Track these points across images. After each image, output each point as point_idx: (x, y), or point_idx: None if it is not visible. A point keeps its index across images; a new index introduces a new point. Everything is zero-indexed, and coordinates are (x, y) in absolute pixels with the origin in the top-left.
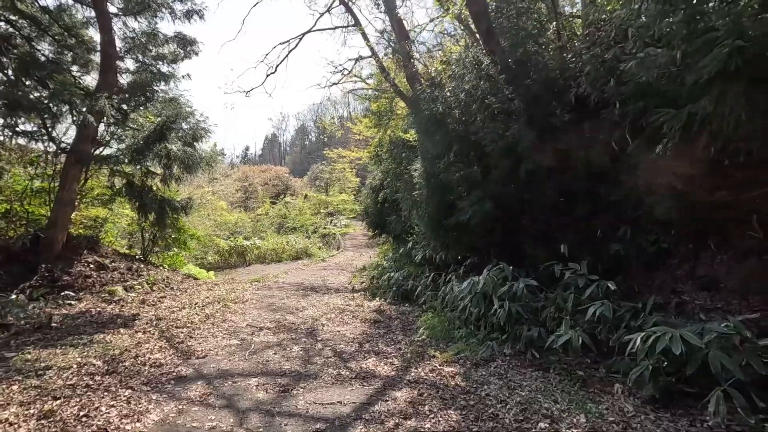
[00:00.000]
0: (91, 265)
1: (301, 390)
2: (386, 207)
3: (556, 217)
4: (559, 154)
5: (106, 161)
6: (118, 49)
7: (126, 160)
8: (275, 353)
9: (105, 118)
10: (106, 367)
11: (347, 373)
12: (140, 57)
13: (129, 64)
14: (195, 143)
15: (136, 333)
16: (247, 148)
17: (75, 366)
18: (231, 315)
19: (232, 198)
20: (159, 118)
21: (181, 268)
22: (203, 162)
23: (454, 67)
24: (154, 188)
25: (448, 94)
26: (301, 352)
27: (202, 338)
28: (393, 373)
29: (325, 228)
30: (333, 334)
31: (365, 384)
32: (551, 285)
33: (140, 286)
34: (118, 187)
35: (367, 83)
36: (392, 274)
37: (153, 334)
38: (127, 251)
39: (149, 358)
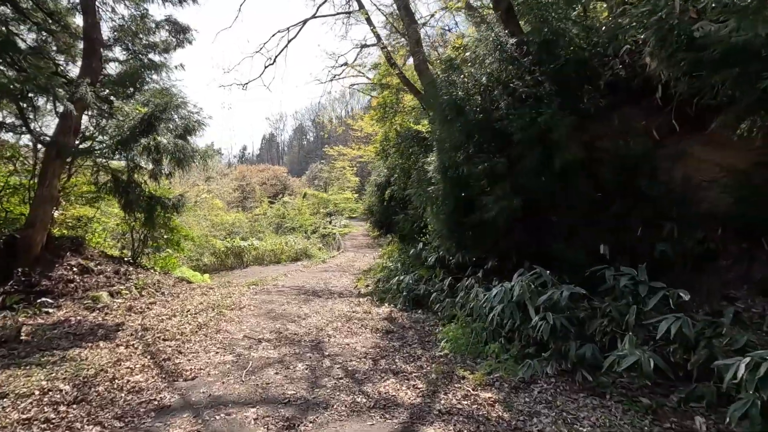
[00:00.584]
0: (74, 269)
1: (310, 425)
2: (393, 205)
3: (592, 214)
4: (594, 142)
5: (89, 154)
6: (106, 38)
7: (109, 153)
8: (276, 373)
9: (88, 108)
10: (75, 394)
11: (364, 400)
12: (130, 46)
13: (118, 53)
14: (188, 136)
15: (117, 347)
16: (244, 148)
17: (37, 392)
18: (226, 324)
19: (229, 197)
20: (147, 108)
21: (173, 271)
22: (197, 156)
23: (474, 48)
24: (143, 184)
25: (466, 79)
26: (306, 372)
27: (193, 353)
28: (419, 400)
29: (324, 228)
30: (341, 347)
31: (387, 416)
32: (593, 292)
33: (128, 291)
34: (102, 183)
35: (368, 78)
36: (402, 277)
37: (136, 348)
38: (116, 253)
39: (128, 381)
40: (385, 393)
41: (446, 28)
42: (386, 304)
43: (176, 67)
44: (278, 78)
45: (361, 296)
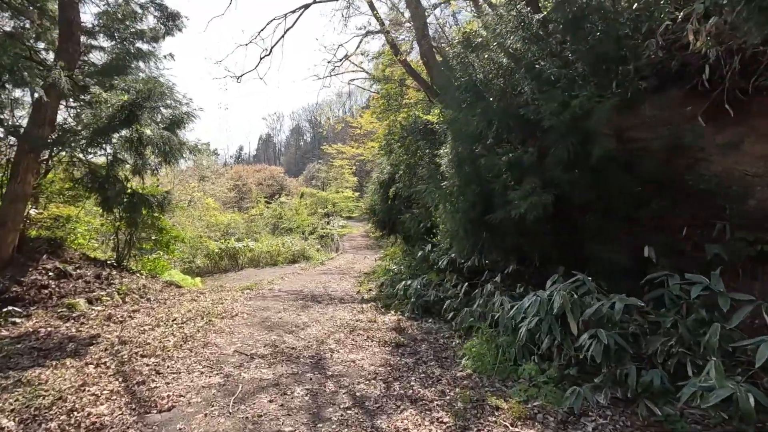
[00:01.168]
0: (50, 273)
1: None
2: (397, 204)
3: (631, 212)
4: (632, 131)
5: (64, 146)
6: (90, 25)
7: (86, 145)
8: (271, 400)
9: (65, 98)
10: None
11: None
12: (115, 34)
13: (103, 42)
14: (176, 129)
15: (86, 366)
16: (240, 148)
17: None
18: (215, 336)
19: (225, 197)
20: (128, 95)
21: (162, 275)
22: (185, 150)
23: (494, 26)
24: (126, 181)
25: (485, 61)
26: (307, 398)
27: (173, 374)
28: None
29: (323, 229)
30: (346, 365)
31: None
32: (645, 302)
33: (109, 298)
34: (78, 178)
35: (368, 73)
36: (408, 282)
37: (108, 367)
38: (102, 256)
39: (89, 414)
40: (404, 430)
41: (454, 15)
42: (392, 312)
43: (165, 57)
44: (275, 69)
45: (365, 302)
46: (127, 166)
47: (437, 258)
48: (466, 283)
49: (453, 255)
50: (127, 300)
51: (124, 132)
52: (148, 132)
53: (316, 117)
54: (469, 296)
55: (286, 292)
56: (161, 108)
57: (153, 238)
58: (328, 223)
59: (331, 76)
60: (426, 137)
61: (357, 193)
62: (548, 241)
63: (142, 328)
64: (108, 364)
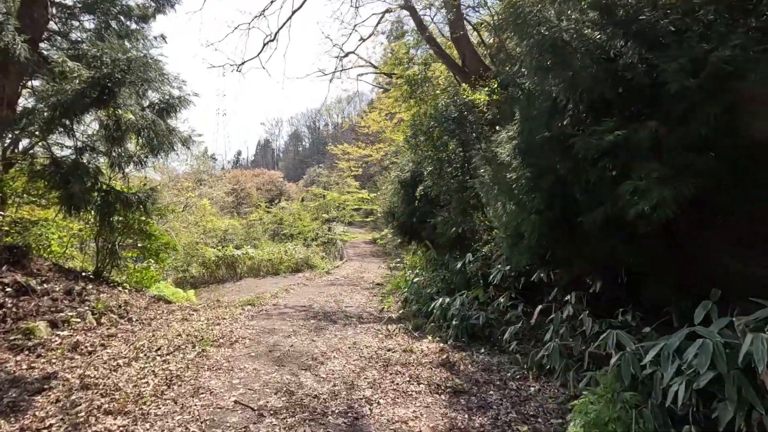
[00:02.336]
0: (7, 289)
1: None
2: (422, 206)
3: None
4: None
5: (22, 130)
6: (71, 2)
7: (47, 128)
8: None
9: (30, 75)
10: None
11: None
12: (97, 10)
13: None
14: (167, 116)
15: None
16: (239, 153)
17: None
18: (210, 375)
19: (222, 202)
20: (104, 68)
21: (149, 288)
22: (176, 139)
23: None
24: (95, 173)
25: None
26: None
27: None
28: None
29: (326, 235)
30: (395, 429)
31: None
32: None
33: (79, 320)
34: (37, 170)
35: (375, 67)
36: (446, 299)
37: None
38: (80, 266)
39: None
40: None
41: None
42: (429, 338)
43: (156, 38)
44: (279, 55)
45: (390, 322)
46: (103, 159)
47: (479, 270)
48: (522, 304)
49: (509, 267)
50: (102, 321)
51: (99, 114)
52: (130, 115)
53: (315, 122)
54: (530, 318)
55: (294, 308)
56: (146, 88)
57: (140, 245)
58: (329, 229)
59: (339, 71)
60: (462, 126)
61: (373, 195)
62: (664, 252)
63: (114, 363)
64: (51, 429)
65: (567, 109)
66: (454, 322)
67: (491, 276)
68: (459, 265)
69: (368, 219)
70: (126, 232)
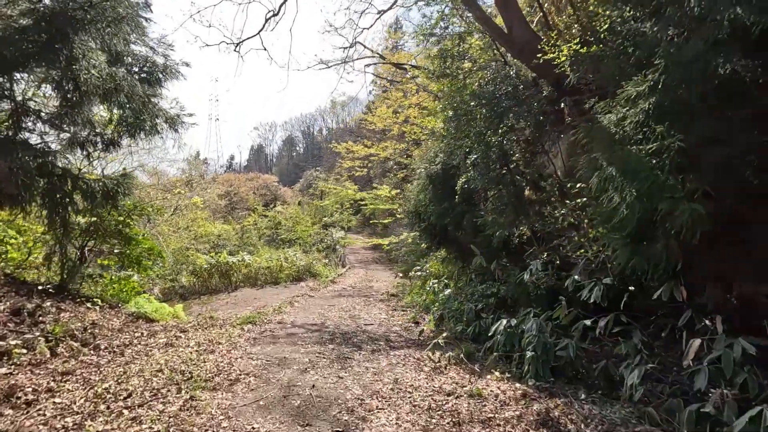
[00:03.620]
0: None
1: None
2: (459, 204)
3: None
4: None
5: None
6: None
7: None
8: None
9: None
10: None
11: None
12: None
13: None
14: (149, 87)
15: None
16: (232, 158)
17: None
18: None
19: (215, 206)
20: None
21: (128, 304)
22: (159, 114)
23: None
24: (42, 153)
25: None
26: None
27: None
28: None
29: (327, 240)
30: None
31: None
32: None
33: (26, 350)
34: None
35: (383, 56)
36: (511, 321)
37: None
38: (48, 276)
39: None
40: None
41: None
42: (497, 373)
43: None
44: (279, 50)
45: (436, 348)
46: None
47: (544, 282)
48: (637, 331)
49: (608, 280)
50: (59, 351)
51: (52, 73)
52: (93, 72)
53: (310, 127)
54: (652, 352)
55: (303, 326)
56: (117, 36)
57: (117, 251)
58: (327, 234)
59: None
60: (520, 103)
61: (397, 190)
62: None
63: (59, 425)
64: None
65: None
66: (529, 353)
67: (585, 291)
68: (525, 276)
69: (384, 221)
70: (101, 234)
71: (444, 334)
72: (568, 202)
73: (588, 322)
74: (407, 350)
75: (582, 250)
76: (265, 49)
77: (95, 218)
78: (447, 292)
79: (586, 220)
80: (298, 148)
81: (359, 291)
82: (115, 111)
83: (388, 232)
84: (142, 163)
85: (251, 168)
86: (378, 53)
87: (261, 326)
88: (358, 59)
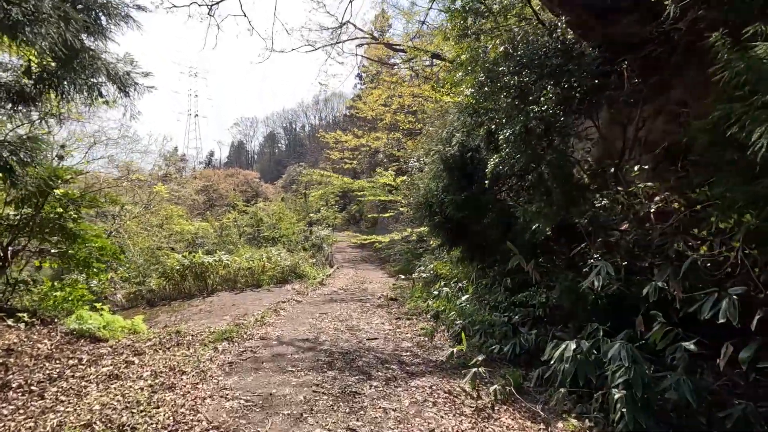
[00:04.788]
0: None
1: None
2: (482, 191)
3: None
4: None
5: None
6: None
7: None
8: None
9: None
10: None
11: None
12: None
13: None
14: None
15: None
16: (211, 154)
17: None
18: None
19: (191, 202)
20: None
21: (67, 320)
22: (101, 72)
23: None
24: None
25: None
26: None
27: None
28: None
29: (313, 238)
30: None
31: None
32: None
33: None
34: None
35: (374, 37)
36: (582, 344)
37: None
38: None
39: None
40: None
41: None
42: (573, 420)
43: None
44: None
45: (481, 383)
46: None
47: (605, 289)
48: None
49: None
50: None
51: None
52: None
53: (292, 123)
54: None
55: (293, 343)
56: None
57: (55, 251)
58: (311, 232)
59: (337, 43)
60: (569, 58)
61: (403, 178)
62: None
63: None
64: None
65: None
66: (618, 392)
67: (704, 306)
68: (572, 281)
69: (375, 215)
70: (36, 230)
71: (480, 357)
72: (642, 185)
73: (691, 346)
74: (432, 378)
75: (679, 246)
76: (244, 15)
77: (30, 209)
78: (464, 298)
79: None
80: (280, 145)
81: (353, 294)
82: (34, 59)
83: (377, 230)
84: (111, 155)
85: (232, 165)
86: (371, 34)
87: (240, 344)
88: (347, 40)
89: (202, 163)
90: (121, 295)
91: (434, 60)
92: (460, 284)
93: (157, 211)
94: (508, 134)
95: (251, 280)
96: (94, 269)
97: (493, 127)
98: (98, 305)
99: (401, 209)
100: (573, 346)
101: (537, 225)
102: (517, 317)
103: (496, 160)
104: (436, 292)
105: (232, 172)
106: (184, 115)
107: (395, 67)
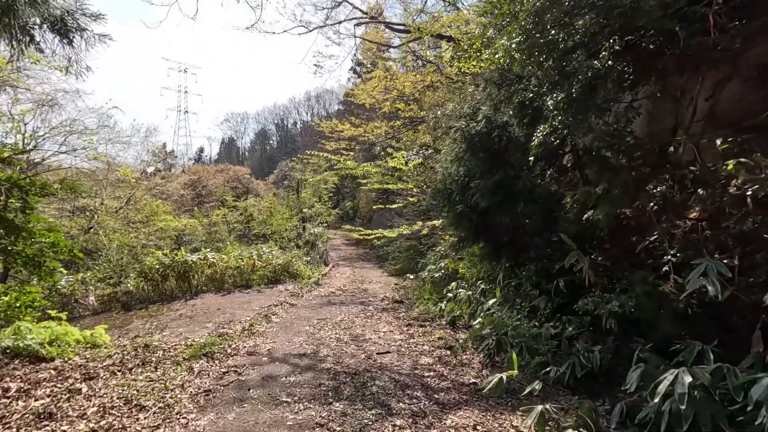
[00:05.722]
0: None
1: None
2: (514, 175)
3: None
4: None
5: None
6: None
7: None
8: None
9: None
10: None
11: None
12: None
13: None
14: None
15: None
16: (201, 150)
17: None
18: None
19: (179, 198)
20: None
21: (5, 333)
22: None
23: None
24: None
25: None
26: None
27: None
28: None
29: (302, 236)
30: None
31: None
32: None
33: None
34: None
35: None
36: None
37: None
38: None
39: None
40: None
41: None
42: None
43: None
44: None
45: (539, 419)
46: None
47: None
48: None
49: None
50: None
51: None
52: None
53: (284, 119)
54: None
55: (287, 360)
56: None
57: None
58: (304, 229)
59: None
60: None
61: (416, 161)
62: None
63: None
64: None
65: None
66: None
67: None
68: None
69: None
70: None
71: (536, 385)
72: (726, 163)
73: None
74: (472, 413)
75: None
76: None
77: None
78: (491, 302)
79: None
80: (271, 142)
81: (353, 296)
82: None
83: (372, 226)
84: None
85: (222, 161)
86: (370, 14)
87: (221, 362)
88: (345, 21)
89: (192, 159)
90: (93, 297)
91: (438, 43)
92: (482, 285)
93: (141, 207)
94: (560, 98)
95: (240, 281)
96: (46, 269)
97: (530, 95)
98: (54, 312)
99: (410, 200)
100: (688, 378)
101: (596, 213)
102: (570, 328)
103: (546, 130)
104: (450, 294)
105: (221, 168)
106: (174, 111)
107: (396, 49)
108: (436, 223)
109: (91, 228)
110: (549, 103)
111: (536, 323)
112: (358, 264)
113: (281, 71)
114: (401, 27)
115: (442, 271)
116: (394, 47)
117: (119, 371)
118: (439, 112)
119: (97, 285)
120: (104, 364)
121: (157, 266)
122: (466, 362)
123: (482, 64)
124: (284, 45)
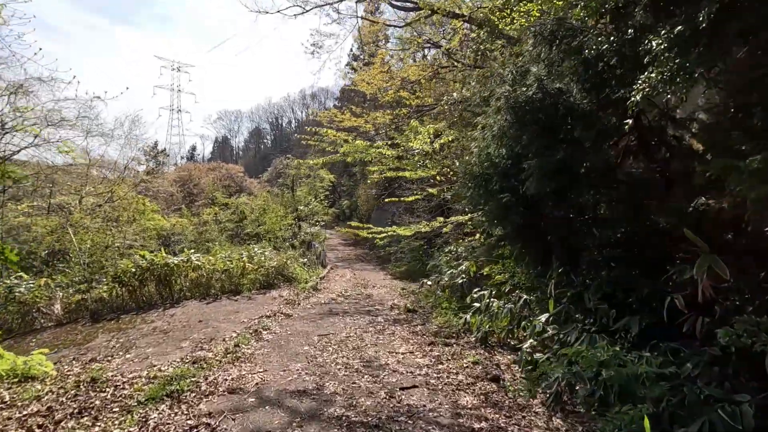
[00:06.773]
0: None
1: None
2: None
3: None
4: None
5: None
6: None
7: None
8: None
9: None
10: None
11: None
12: None
13: None
14: None
15: None
16: (193, 148)
17: None
18: None
19: (167, 196)
20: None
21: None
22: None
23: None
24: None
25: None
26: None
27: None
28: None
29: (298, 236)
30: None
31: None
32: None
33: None
34: None
35: None
36: None
37: None
38: None
39: None
40: None
41: None
42: None
43: None
44: None
45: None
46: None
47: None
48: None
49: None
50: None
51: None
52: None
53: (278, 118)
54: None
55: (281, 403)
56: None
57: None
58: (299, 228)
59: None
60: None
61: (450, 138)
62: None
63: None
64: None
65: None
66: None
67: None
68: None
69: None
70: None
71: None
72: None
73: None
74: None
75: None
76: None
77: None
78: (542, 318)
79: None
80: (265, 141)
81: (357, 303)
82: None
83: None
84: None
85: (216, 160)
86: None
87: (191, 408)
88: None
89: (184, 157)
90: (59, 306)
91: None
92: (522, 295)
93: (126, 205)
94: (679, 30)
95: (228, 285)
96: None
97: (603, 47)
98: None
99: (430, 191)
100: None
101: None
102: (689, 365)
103: (657, 76)
104: (476, 304)
105: (214, 166)
106: (166, 110)
107: (402, 29)
108: (462, 218)
109: (62, 228)
110: (655, 43)
111: (625, 353)
112: (357, 265)
113: (277, 70)
114: (409, 4)
115: (463, 276)
116: (400, 27)
117: (40, 426)
118: (455, 94)
119: (65, 291)
120: (23, 413)
121: (133, 269)
122: (523, 404)
123: (522, 21)
124: (281, 42)
